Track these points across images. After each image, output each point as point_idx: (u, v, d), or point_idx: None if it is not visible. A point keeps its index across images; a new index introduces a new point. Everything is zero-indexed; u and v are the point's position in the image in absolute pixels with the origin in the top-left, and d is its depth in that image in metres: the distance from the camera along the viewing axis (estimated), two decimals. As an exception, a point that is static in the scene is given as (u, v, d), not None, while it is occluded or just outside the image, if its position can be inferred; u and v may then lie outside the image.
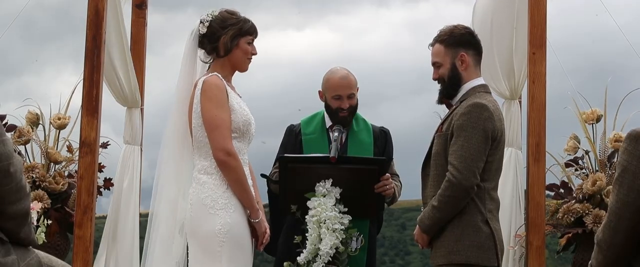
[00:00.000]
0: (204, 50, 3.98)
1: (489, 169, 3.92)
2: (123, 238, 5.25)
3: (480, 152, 3.86)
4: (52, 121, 5.33)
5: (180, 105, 3.92)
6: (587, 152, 5.07)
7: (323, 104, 4.80)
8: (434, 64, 4.11)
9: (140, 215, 5.49)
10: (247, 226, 3.84)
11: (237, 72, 4.04)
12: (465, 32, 4.11)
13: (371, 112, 4.96)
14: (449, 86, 4.06)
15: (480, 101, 3.92)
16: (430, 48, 4.14)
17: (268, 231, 3.94)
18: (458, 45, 4.06)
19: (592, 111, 5.09)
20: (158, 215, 3.91)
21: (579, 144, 5.10)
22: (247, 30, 3.98)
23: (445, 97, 4.10)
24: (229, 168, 3.78)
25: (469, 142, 3.84)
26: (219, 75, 3.87)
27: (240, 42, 3.95)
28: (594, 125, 5.09)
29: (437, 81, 4.11)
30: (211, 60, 3.99)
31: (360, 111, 4.84)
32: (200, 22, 3.94)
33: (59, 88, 5.42)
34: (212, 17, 3.93)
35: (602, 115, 5.09)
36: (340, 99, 4.68)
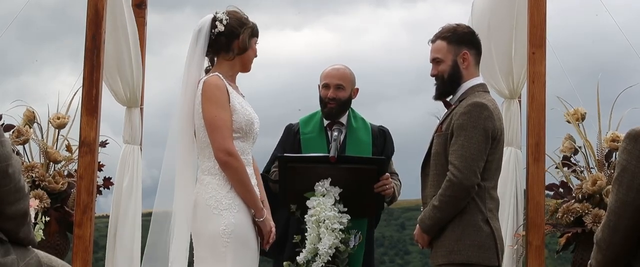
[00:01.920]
0: (213, 49, 3.94)
1: (488, 169, 3.92)
2: (124, 238, 5.25)
3: (480, 152, 3.85)
4: (51, 121, 5.33)
5: (187, 106, 3.90)
6: (579, 148, 5.06)
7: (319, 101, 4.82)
8: (434, 59, 4.09)
9: (142, 215, 5.49)
10: (251, 225, 3.83)
11: (242, 72, 4.04)
12: (468, 31, 4.12)
13: (370, 112, 4.97)
14: (449, 83, 4.05)
15: (479, 100, 3.92)
16: (430, 44, 4.13)
17: (273, 230, 3.93)
18: (461, 43, 4.06)
19: (575, 110, 5.09)
20: (177, 216, 3.88)
21: (575, 143, 5.10)
22: (257, 32, 3.99)
23: (443, 94, 4.09)
24: (230, 168, 3.77)
25: (470, 142, 3.84)
26: (220, 75, 3.86)
27: (252, 42, 3.95)
28: (581, 123, 5.09)
29: (434, 77, 4.10)
30: (207, 61, 3.97)
31: (359, 111, 4.84)
32: (217, 20, 3.88)
33: (58, 88, 5.41)
34: (228, 16, 3.91)
35: (586, 113, 5.09)
36: (327, 88, 4.69)
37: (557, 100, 5.15)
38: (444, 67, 4.06)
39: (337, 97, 4.68)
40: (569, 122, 5.10)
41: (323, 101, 4.73)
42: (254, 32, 3.96)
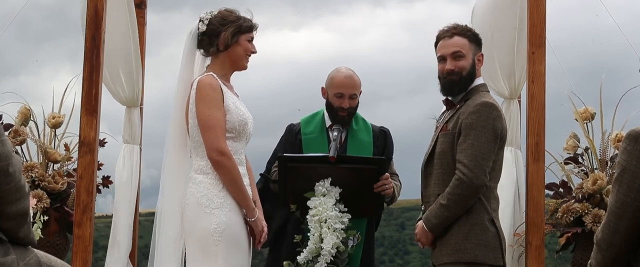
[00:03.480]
0: (202, 50, 3.98)
1: (493, 168, 3.93)
2: (122, 237, 5.25)
3: (490, 151, 3.86)
4: (47, 120, 5.32)
5: (179, 106, 3.92)
6: (586, 150, 5.07)
7: (322, 103, 4.81)
8: (454, 53, 4.03)
9: (140, 214, 5.49)
10: (243, 225, 3.84)
11: (235, 71, 4.04)
12: (478, 34, 4.14)
13: (368, 112, 4.97)
14: (465, 81, 4.03)
15: (488, 100, 3.94)
16: (445, 39, 4.07)
17: (265, 229, 3.93)
18: (478, 44, 4.10)
19: (585, 109, 5.10)
20: (163, 215, 3.90)
21: (579, 142, 5.11)
22: (247, 28, 3.98)
23: (458, 91, 4.05)
24: (223, 168, 3.78)
25: (479, 141, 3.84)
26: (214, 75, 3.87)
27: (241, 39, 3.95)
28: (589, 123, 5.09)
29: (450, 72, 4.03)
30: (209, 60, 3.99)
31: (358, 111, 4.83)
32: (200, 20, 3.94)
33: (56, 88, 5.41)
34: (211, 16, 3.93)
35: (595, 113, 5.09)
36: (342, 98, 4.68)
37: (565, 97, 5.16)
38: (464, 63, 4.03)
39: (351, 106, 4.70)
40: (577, 120, 5.10)
41: (334, 108, 4.71)
42: (242, 29, 3.96)
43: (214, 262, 3.72)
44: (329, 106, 4.74)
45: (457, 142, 3.91)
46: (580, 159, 5.09)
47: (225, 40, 3.91)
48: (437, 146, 4.01)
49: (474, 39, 4.08)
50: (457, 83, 4.04)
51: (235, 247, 3.78)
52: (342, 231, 4.29)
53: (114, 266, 5.23)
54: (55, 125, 5.32)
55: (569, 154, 5.12)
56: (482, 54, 4.10)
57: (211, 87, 3.82)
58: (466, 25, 4.16)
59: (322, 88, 4.79)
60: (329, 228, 4.25)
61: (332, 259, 4.26)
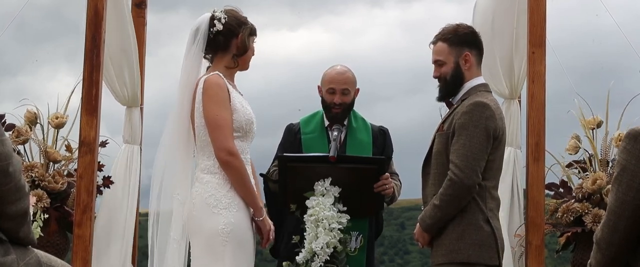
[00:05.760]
0: (211, 48, 3.92)
1: (490, 168, 3.92)
2: (122, 237, 5.25)
3: (482, 151, 3.85)
4: (50, 120, 5.32)
5: (183, 105, 3.88)
6: (591, 156, 5.05)
7: (321, 104, 4.81)
8: (435, 61, 4.07)
9: (140, 214, 5.49)
10: (250, 225, 3.83)
11: (240, 71, 4.03)
12: (469, 32, 4.10)
13: (366, 112, 4.96)
14: (451, 85, 4.03)
15: (481, 100, 3.91)
16: (432, 46, 4.11)
17: (272, 228, 3.93)
18: (463, 44, 4.04)
19: (594, 118, 5.08)
20: (165, 215, 3.89)
21: (580, 143, 5.10)
22: (255, 30, 3.98)
23: (446, 95, 4.08)
24: (231, 168, 3.76)
25: (471, 141, 3.84)
26: (221, 74, 3.85)
27: (250, 41, 3.95)
28: (595, 130, 5.08)
29: (437, 79, 4.10)
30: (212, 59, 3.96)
31: (358, 111, 4.84)
32: (215, 18, 3.86)
33: (55, 88, 5.43)
34: (226, 15, 3.89)
35: (603, 122, 5.08)
36: (333, 93, 4.68)
37: (565, 96, 5.16)
38: (446, 69, 4.04)
39: (343, 102, 4.69)
40: (583, 127, 5.08)
41: (327, 105, 4.72)
42: (252, 31, 3.95)
43: (220, 262, 3.70)
44: (323, 103, 4.75)
45: (451, 142, 3.91)
46: (582, 165, 5.08)
47: (243, 42, 3.89)
48: (434, 146, 4.02)
49: (456, 41, 4.03)
50: (443, 89, 4.07)
51: (241, 248, 3.76)
52: (340, 231, 4.28)
53: (115, 266, 5.24)
54: (58, 126, 5.32)
55: (570, 154, 5.12)
56: (468, 53, 4.02)
57: (219, 87, 3.79)
58: (455, 26, 4.09)
59: (318, 86, 4.81)
60: (324, 228, 4.25)
61: (329, 258, 4.25)
